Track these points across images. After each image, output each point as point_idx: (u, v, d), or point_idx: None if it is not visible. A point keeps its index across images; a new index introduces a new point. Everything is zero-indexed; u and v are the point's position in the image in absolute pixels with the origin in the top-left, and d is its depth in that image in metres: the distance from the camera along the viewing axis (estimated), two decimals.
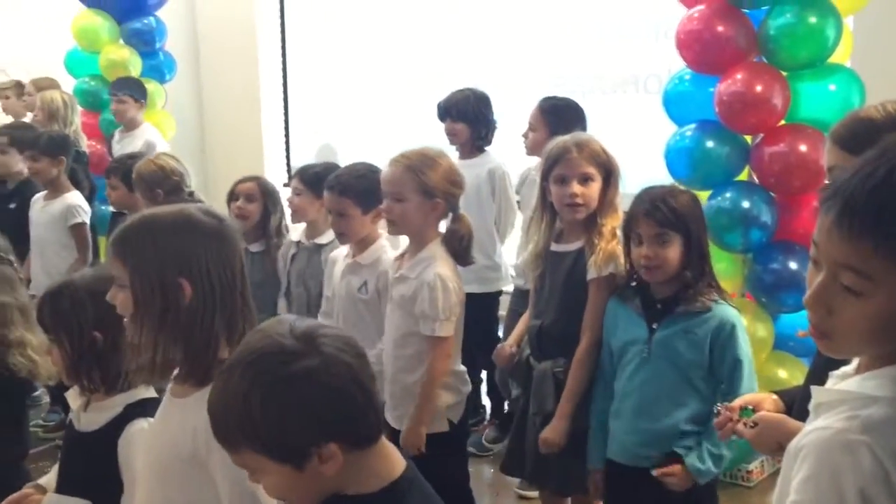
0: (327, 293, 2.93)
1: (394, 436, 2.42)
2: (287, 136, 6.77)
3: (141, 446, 1.66)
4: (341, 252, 2.88)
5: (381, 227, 2.82)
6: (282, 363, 1.12)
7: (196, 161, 6.94)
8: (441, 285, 2.41)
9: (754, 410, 1.66)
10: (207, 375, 1.45)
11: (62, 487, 1.78)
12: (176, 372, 1.51)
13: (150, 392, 1.77)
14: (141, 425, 1.70)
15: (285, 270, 3.24)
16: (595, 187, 2.39)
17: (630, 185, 2.55)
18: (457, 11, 5.85)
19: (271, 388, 1.11)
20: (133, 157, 3.98)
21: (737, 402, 1.72)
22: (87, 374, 1.76)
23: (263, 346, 1.15)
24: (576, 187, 2.37)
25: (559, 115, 3.51)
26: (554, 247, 2.50)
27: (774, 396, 1.73)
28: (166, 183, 3.56)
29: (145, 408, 1.73)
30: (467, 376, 2.66)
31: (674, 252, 2.18)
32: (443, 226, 2.59)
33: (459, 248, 2.52)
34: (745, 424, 1.64)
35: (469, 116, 3.84)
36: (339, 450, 1.12)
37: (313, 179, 3.10)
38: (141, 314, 1.44)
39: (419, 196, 2.45)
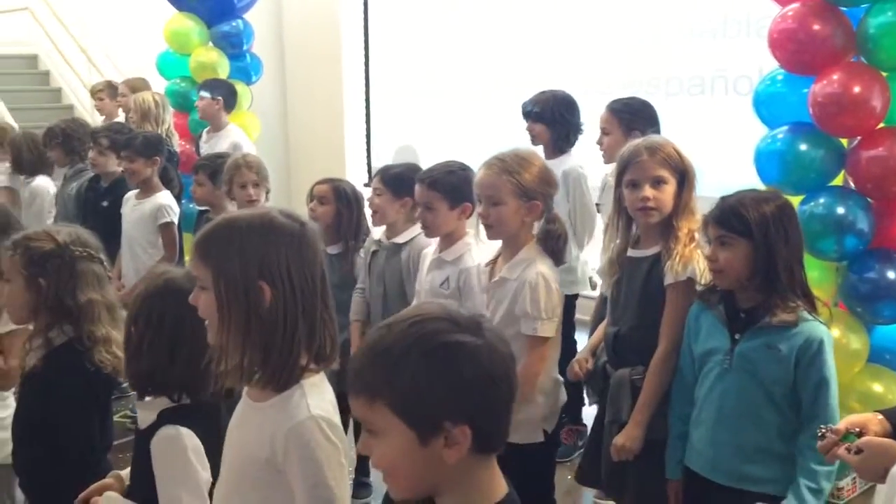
0: (417, 288, 2.94)
1: None
2: (368, 137, 6.83)
3: (165, 453, 1.68)
4: (431, 248, 2.89)
5: (469, 227, 2.82)
6: (449, 331, 1.11)
7: (279, 162, 7.08)
8: (544, 284, 2.40)
9: (859, 434, 1.57)
10: (287, 381, 1.45)
11: (132, 481, 1.82)
12: (259, 377, 1.50)
13: (196, 398, 1.77)
14: (168, 432, 1.71)
15: (364, 268, 3.25)
16: (668, 190, 2.32)
17: (718, 189, 2.46)
18: (541, 11, 5.80)
19: (433, 348, 1.10)
20: (221, 157, 4.06)
21: (842, 425, 1.64)
22: (138, 373, 1.79)
23: (434, 311, 1.14)
24: (647, 191, 2.31)
25: (632, 114, 3.45)
26: (630, 252, 2.44)
27: (880, 417, 1.65)
28: (233, 181, 3.64)
29: (181, 414, 1.74)
30: (564, 387, 2.60)
31: (737, 257, 2.10)
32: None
33: (556, 247, 2.50)
34: (848, 450, 1.56)
35: (548, 118, 3.81)
36: (470, 439, 1.10)
37: (394, 180, 3.10)
38: (225, 317, 1.44)
39: (516, 198, 2.43)
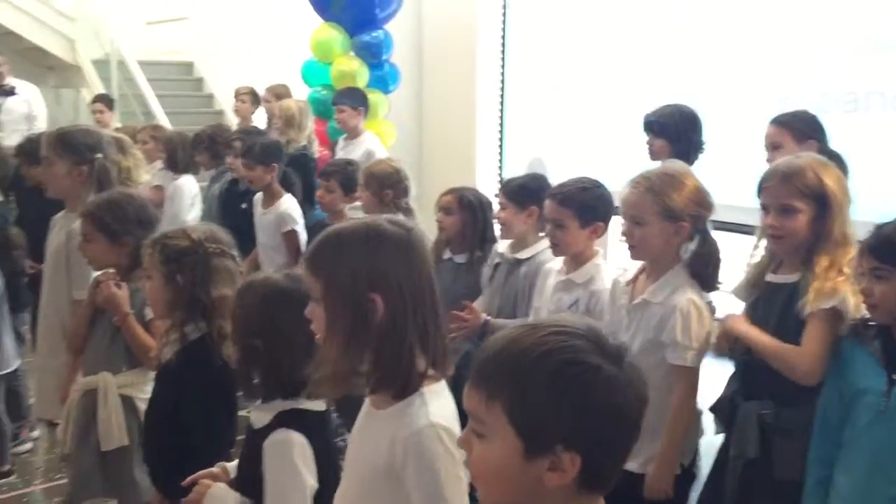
0: (536, 304, 2.89)
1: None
2: (501, 148, 6.83)
3: (276, 456, 1.69)
4: (555, 265, 2.82)
5: (598, 246, 2.75)
6: (590, 351, 1.05)
7: (413, 170, 7.17)
8: (696, 312, 2.29)
9: None
10: (406, 388, 1.45)
11: (239, 475, 1.86)
12: (372, 385, 1.51)
13: (311, 404, 1.78)
14: (279, 436, 1.72)
15: (488, 281, 3.24)
16: (801, 219, 2.17)
17: (873, 214, 2.28)
18: (683, 23, 5.64)
19: (569, 365, 1.03)
20: (351, 164, 4.15)
21: None
22: (248, 375, 1.82)
23: (580, 327, 1.08)
24: (773, 219, 2.19)
25: (803, 123, 3.32)
26: (770, 277, 2.30)
27: None
28: (398, 186, 3.69)
29: (295, 419, 1.75)
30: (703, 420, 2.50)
31: (894, 291, 1.94)
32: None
33: (706, 272, 2.38)
34: None
35: (670, 133, 3.66)
36: (577, 470, 1.04)
37: (517, 192, 3.08)
38: (335, 328, 1.44)
39: (661, 219, 2.32)
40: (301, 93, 6.44)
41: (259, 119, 6.63)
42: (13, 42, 9.06)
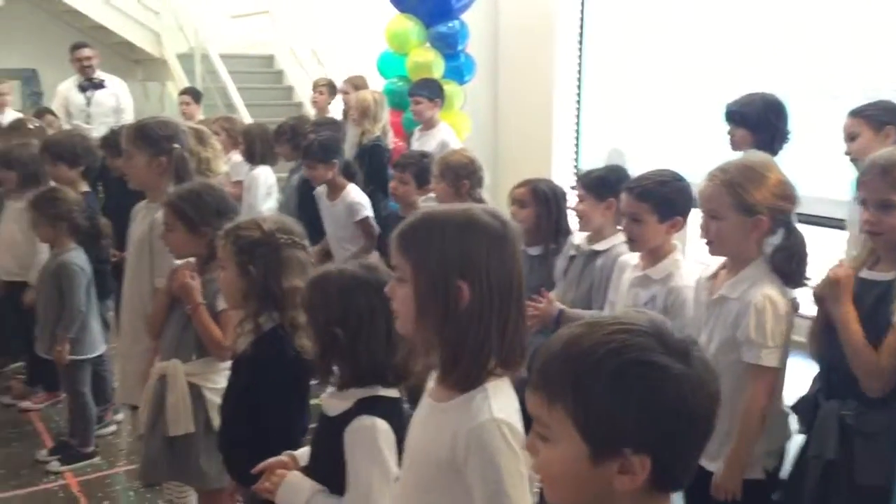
0: (611, 298, 2.83)
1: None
2: (578, 138, 6.73)
3: (362, 442, 1.69)
4: (631, 259, 2.75)
5: (677, 240, 2.67)
6: (654, 349, 1.00)
7: (489, 161, 7.14)
8: (770, 308, 2.20)
9: None
10: (472, 382, 1.43)
11: (311, 463, 1.87)
12: (437, 374, 1.50)
13: (386, 391, 1.78)
14: (364, 422, 1.72)
15: (563, 273, 3.19)
16: None
17: None
18: (765, 12, 5.45)
19: (632, 365, 0.99)
20: (426, 156, 4.14)
21: None
22: (328, 365, 1.82)
23: (642, 323, 1.03)
24: (871, 213, 2.10)
25: (880, 111, 3.21)
26: (864, 273, 2.19)
27: None
28: (474, 176, 3.69)
29: (375, 405, 1.74)
30: (790, 421, 2.40)
31: None
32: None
33: (789, 267, 2.28)
34: None
35: (751, 122, 3.51)
36: (648, 472, 1.00)
37: (595, 184, 3.03)
38: (421, 312, 1.43)
39: (737, 214, 2.24)
40: (377, 84, 6.48)
41: (336, 110, 6.70)
42: (103, 36, 9.36)
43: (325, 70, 8.59)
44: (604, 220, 3.01)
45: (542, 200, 3.26)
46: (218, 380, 2.63)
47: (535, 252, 3.30)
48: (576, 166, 6.79)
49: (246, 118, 7.99)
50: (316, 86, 6.82)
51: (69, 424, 3.99)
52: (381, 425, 1.72)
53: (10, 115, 6.71)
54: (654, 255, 2.63)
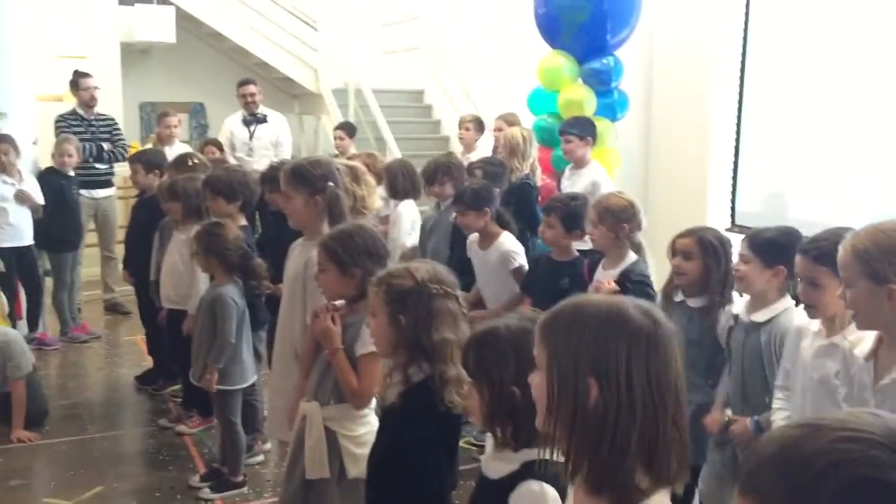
0: (786, 366, 2.64)
1: None
2: (735, 179, 6.41)
3: None
4: (810, 325, 2.53)
5: None
6: (891, 466, 0.86)
7: (638, 200, 6.95)
8: None
9: None
10: (618, 495, 1.28)
11: None
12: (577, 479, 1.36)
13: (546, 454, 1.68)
14: (532, 487, 1.63)
15: (723, 339, 3.00)
16: None
17: None
18: None
19: (864, 481, 0.86)
20: (574, 199, 4.04)
21: None
22: (501, 425, 1.74)
23: (874, 430, 0.89)
24: None
25: None
26: None
27: None
28: (633, 220, 3.62)
29: (544, 469, 1.60)
30: None
31: None
32: None
33: None
34: None
35: None
36: None
37: (765, 247, 2.79)
38: (551, 407, 1.33)
39: (867, 282, 2.03)
40: (526, 121, 6.43)
41: (485, 147, 6.69)
42: (265, 72, 9.84)
43: (474, 105, 8.66)
44: (768, 288, 2.80)
45: (710, 252, 3.07)
46: (355, 427, 2.63)
47: (696, 304, 3.12)
48: (732, 209, 6.46)
49: (395, 151, 8.17)
50: (462, 122, 6.81)
51: (220, 452, 4.11)
52: (550, 492, 1.62)
53: (178, 146, 7.13)
54: (839, 321, 2.40)
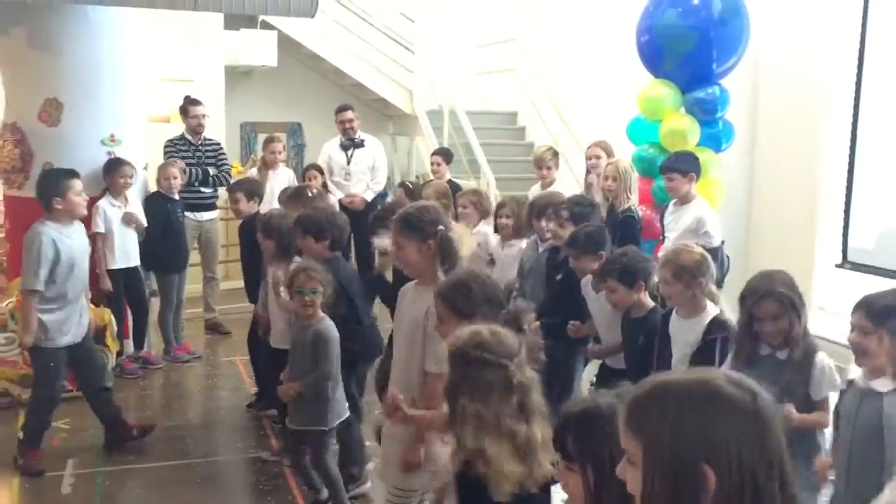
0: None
1: None
2: (847, 216, 6.14)
3: None
4: None
5: None
6: None
7: (740, 235, 6.74)
8: None
9: None
10: None
11: None
12: None
13: None
14: None
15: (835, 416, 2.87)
16: None
17: None
18: None
19: None
20: (624, 254, 3.90)
21: None
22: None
23: None
24: None
25: None
26: None
27: None
28: (708, 272, 3.49)
29: None
30: None
31: None
32: None
33: None
34: None
35: None
36: None
37: (884, 315, 2.63)
38: (655, 500, 1.25)
39: None
40: (624, 149, 6.31)
41: (565, 180, 6.47)
42: (361, 93, 9.97)
43: (568, 128, 8.57)
44: (887, 359, 2.63)
45: (796, 306, 2.97)
46: None
47: (783, 356, 2.99)
48: (844, 245, 6.19)
49: (488, 174, 8.14)
50: (543, 161, 6.29)
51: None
52: None
53: (283, 171, 7.27)
54: None
